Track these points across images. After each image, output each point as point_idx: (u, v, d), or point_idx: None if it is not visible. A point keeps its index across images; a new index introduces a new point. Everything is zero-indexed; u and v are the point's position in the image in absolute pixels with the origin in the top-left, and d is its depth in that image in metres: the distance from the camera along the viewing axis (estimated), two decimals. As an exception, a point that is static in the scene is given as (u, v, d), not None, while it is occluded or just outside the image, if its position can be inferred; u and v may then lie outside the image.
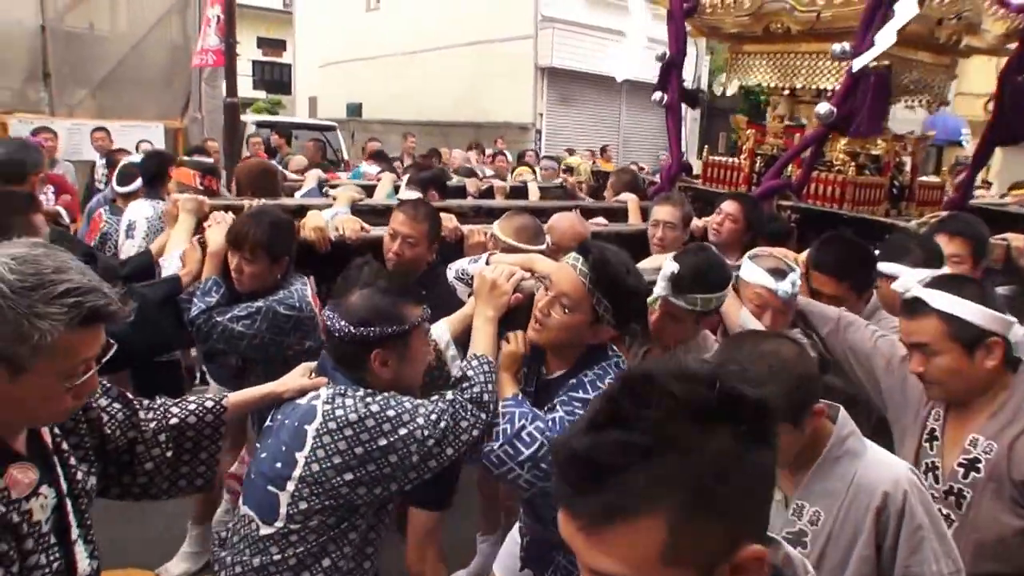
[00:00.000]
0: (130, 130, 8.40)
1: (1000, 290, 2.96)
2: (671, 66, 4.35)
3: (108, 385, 1.60)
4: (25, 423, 1.29)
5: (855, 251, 2.49)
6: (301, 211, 2.90)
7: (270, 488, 1.62)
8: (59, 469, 1.36)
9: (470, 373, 1.80)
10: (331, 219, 2.86)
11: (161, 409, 1.67)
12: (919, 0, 3.24)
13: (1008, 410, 1.74)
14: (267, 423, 1.78)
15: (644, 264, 2.46)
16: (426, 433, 1.66)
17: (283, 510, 1.60)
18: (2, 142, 3.40)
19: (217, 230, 2.49)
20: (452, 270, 2.33)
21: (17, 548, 1.23)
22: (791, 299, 2.22)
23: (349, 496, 1.61)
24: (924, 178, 4.47)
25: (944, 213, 3.31)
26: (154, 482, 1.62)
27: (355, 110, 20.62)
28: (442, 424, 1.69)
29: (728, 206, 3.24)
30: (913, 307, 1.79)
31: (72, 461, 1.41)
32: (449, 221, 2.83)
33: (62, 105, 8.57)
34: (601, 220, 3.40)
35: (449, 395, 1.77)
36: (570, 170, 5.00)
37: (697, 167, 4.93)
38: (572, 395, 1.77)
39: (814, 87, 3.99)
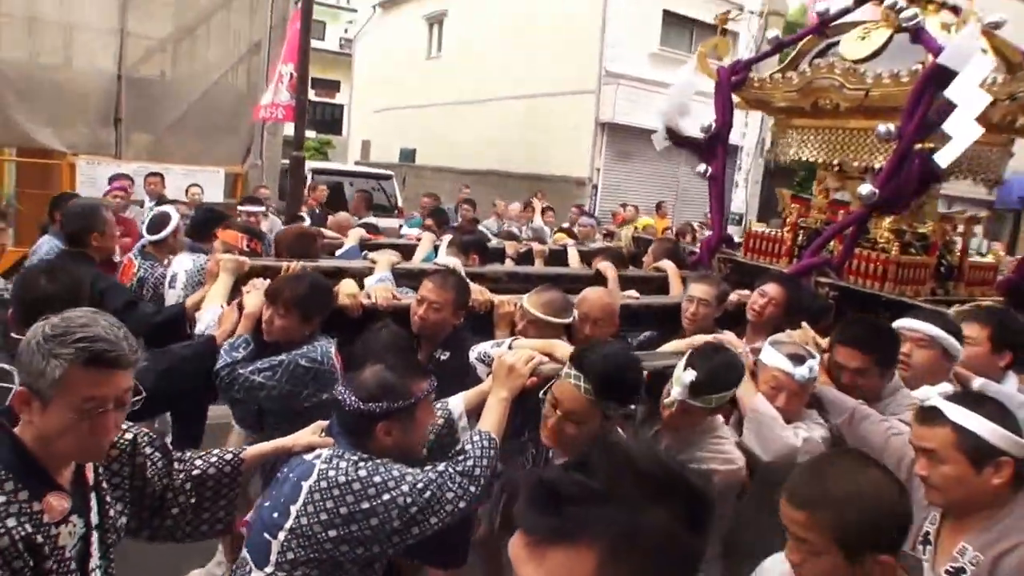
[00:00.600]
0: (193, 175, 8.76)
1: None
2: (716, 138, 4.39)
3: (153, 436, 1.77)
4: (65, 458, 1.48)
5: (880, 328, 2.54)
6: (338, 273, 3.06)
7: (265, 535, 1.76)
8: (94, 503, 1.54)
9: (468, 447, 1.92)
10: (373, 284, 3.00)
11: (189, 461, 1.86)
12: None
13: (1002, 525, 1.74)
14: (278, 474, 1.92)
15: (666, 348, 2.51)
16: (409, 500, 1.76)
17: (273, 557, 1.73)
18: (71, 206, 3.62)
19: (255, 295, 2.64)
20: (475, 352, 2.42)
21: (35, 568, 1.38)
22: (808, 383, 2.28)
23: (332, 552, 1.72)
24: (977, 258, 4.36)
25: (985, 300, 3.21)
26: (178, 525, 1.80)
27: (408, 155, 21.03)
28: (427, 494, 1.79)
29: (771, 289, 3.22)
30: (928, 415, 1.81)
31: (108, 498, 1.59)
32: (481, 294, 2.94)
33: (130, 149, 8.98)
34: (633, 293, 3.43)
35: (441, 466, 1.88)
36: (611, 235, 5.05)
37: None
38: None
39: (861, 164, 3.98)
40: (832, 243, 3.88)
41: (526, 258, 4.45)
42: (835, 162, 4.16)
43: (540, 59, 16.27)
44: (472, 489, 1.86)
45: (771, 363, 2.33)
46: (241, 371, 2.44)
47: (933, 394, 1.83)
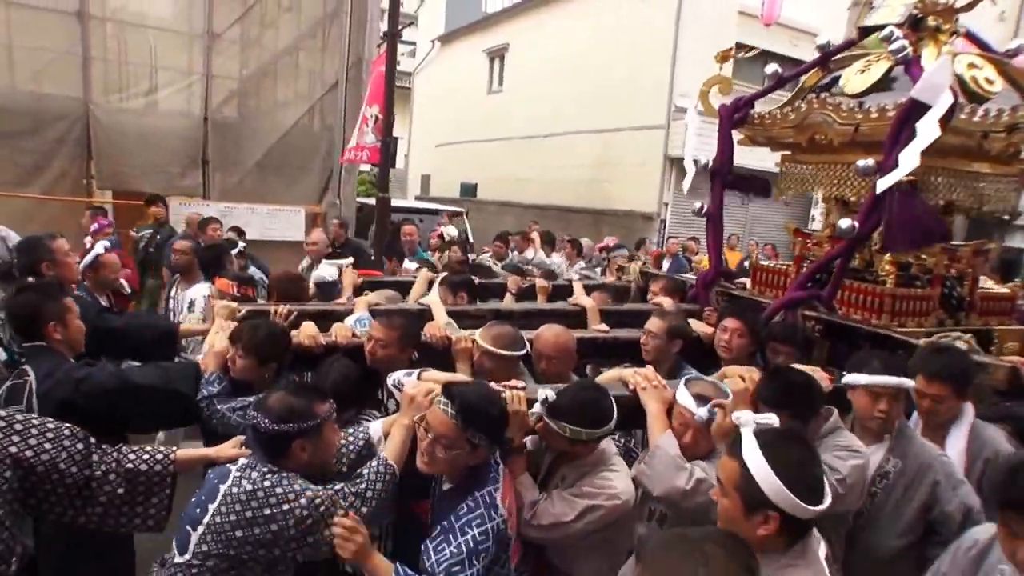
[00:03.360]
0: (275, 214, 9.29)
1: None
2: (715, 175, 4.43)
3: (79, 430, 2.08)
4: None
5: (797, 383, 2.52)
6: (323, 315, 3.38)
7: (187, 527, 2.00)
8: None
9: (365, 471, 2.13)
10: (353, 324, 3.27)
11: (115, 454, 2.12)
12: (943, 121, 3.19)
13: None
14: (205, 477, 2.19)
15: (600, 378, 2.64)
16: (305, 513, 1.97)
17: (191, 547, 1.97)
18: (17, 243, 4.03)
19: (222, 336, 2.96)
20: (391, 379, 2.62)
21: None
22: (711, 423, 2.33)
23: (239, 549, 1.95)
24: (991, 287, 4.19)
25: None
26: (109, 514, 2.06)
27: (470, 190, 21.18)
28: (321, 508, 2.00)
29: (731, 322, 3.32)
30: (733, 446, 1.76)
31: None
32: (437, 330, 3.16)
33: (215, 189, 9.48)
34: (603, 327, 3.54)
35: (339, 486, 2.10)
36: (622, 269, 5.13)
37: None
38: (449, 538, 2.01)
39: (860, 198, 3.93)
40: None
41: (529, 293, 4.58)
42: (837, 196, 4.13)
43: (607, 94, 16.30)
44: (363, 509, 2.06)
45: (680, 401, 2.42)
46: (219, 407, 2.74)
47: (749, 420, 1.77)
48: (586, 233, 15.03)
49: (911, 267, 3.91)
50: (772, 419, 1.82)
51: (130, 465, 2.09)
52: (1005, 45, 4.05)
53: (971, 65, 3.70)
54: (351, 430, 2.42)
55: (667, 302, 4.11)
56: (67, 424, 2.07)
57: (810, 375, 2.63)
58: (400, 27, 9.68)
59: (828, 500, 1.67)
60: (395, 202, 11.58)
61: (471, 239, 12.19)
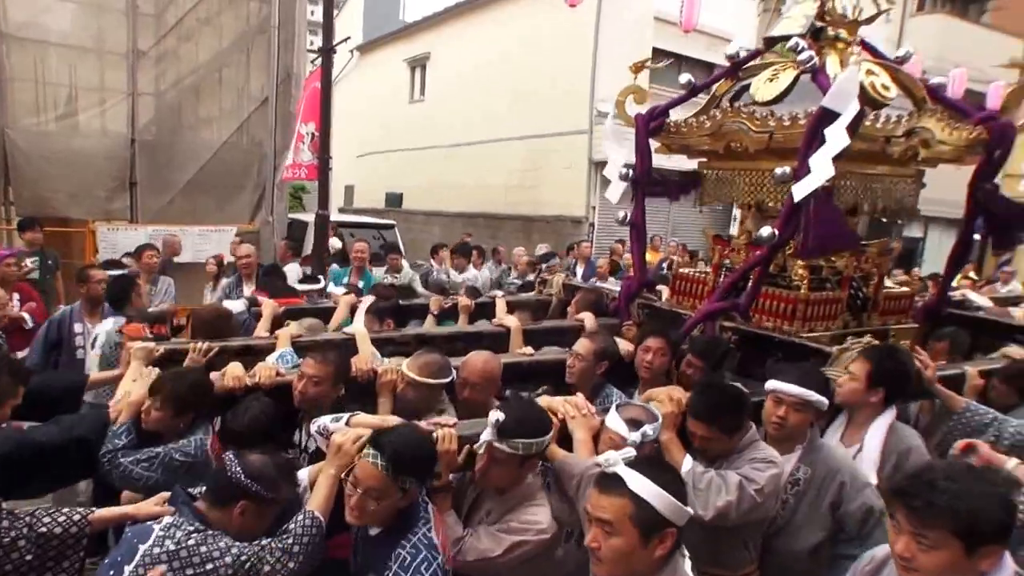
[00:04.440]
0: (208, 235, 8.79)
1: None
2: (636, 184, 4.45)
3: None
4: None
5: (726, 396, 2.60)
6: (247, 351, 3.23)
7: None
8: None
9: (291, 526, 2.03)
10: (276, 360, 3.12)
11: (28, 518, 2.00)
12: (851, 129, 3.27)
13: None
14: (123, 534, 2.03)
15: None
16: (231, 572, 1.89)
17: None
18: None
19: (140, 384, 2.76)
20: (315, 425, 2.49)
21: None
22: (642, 447, 2.31)
23: None
24: (892, 287, 4.35)
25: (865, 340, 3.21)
26: None
27: (395, 200, 20.84)
28: (247, 565, 1.91)
29: (654, 342, 3.34)
30: (608, 483, 1.77)
31: None
32: (364, 363, 3.02)
33: (146, 211, 9.03)
34: (528, 350, 3.49)
35: (266, 541, 2.00)
36: (544, 282, 5.10)
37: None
38: None
39: (776, 204, 4.01)
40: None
41: (451, 313, 4.49)
42: (754, 203, 4.20)
43: (530, 100, 16.33)
44: (291, 565, 1.97)
45: (611, 426, 2.41)
46: (122, 459, 2.55)
47: (617, 459, 1.79)
48: (517, 239, 15.04)
49: (823, 271, 4.00)
50: (630, 452, 1.88)
51: (43, 529, 1.99)
52: (891, 46, 4.24)
53: (869, 72, 3.83)
54: None
55: (588, 318, 4.08)
56: None
57: (741, 389, 2.67)
58: (335, 43, 9.35)
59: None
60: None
61: (403, 251, 12.03)
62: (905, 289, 4.40)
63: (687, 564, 1.81)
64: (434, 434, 2.25)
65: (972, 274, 9.16)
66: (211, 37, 9.33)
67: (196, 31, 9.21)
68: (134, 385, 2.80)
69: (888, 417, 2.91)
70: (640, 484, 1.72)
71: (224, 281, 6.27)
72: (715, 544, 2.59)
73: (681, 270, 4.62)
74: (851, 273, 3.96)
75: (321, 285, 5.39)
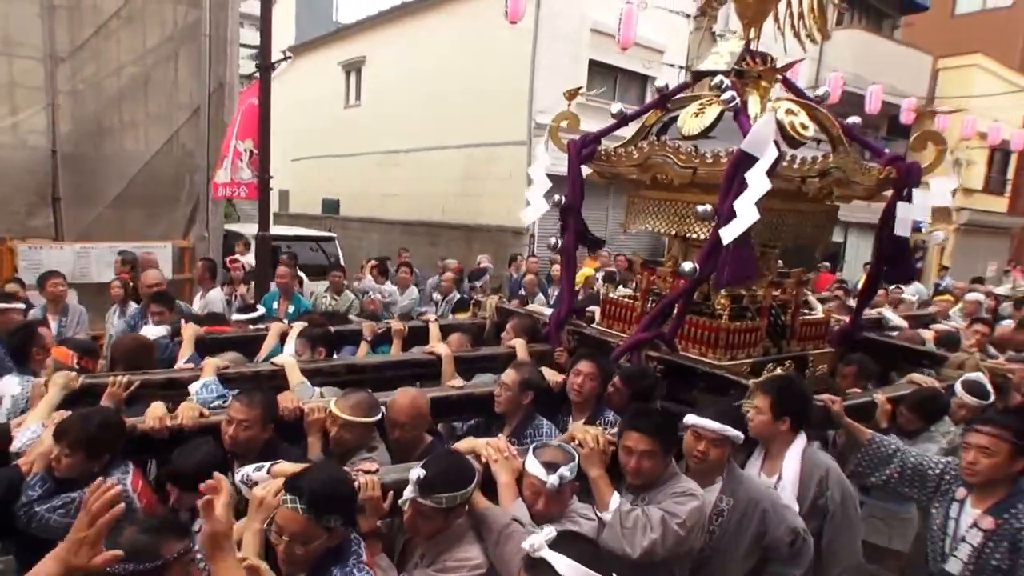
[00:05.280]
0: (140, 251, 8.17)
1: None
2: (567, 210, 4.54)
3: None
4: None
5: (665, 415, 2.79)
6: (170, 384, 3.16)
7: None
8: None
9: None
10: (196, 392, 3.04)
11: None
12: (769, 172, 3.42)
13: None
14: None
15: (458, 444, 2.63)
16: None
17: None
18: None
19: (47, 432, 2.62)
20: (239, 475, 2.47)
21: None
22: (562, 488, 2.40)
23: None
24: (808, 315, 4.57)
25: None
26: None
27: (332, 207, 20.43)
28: None
29: (585, 367, 3.45)
30: (536, 568, 1.83)
31: None
32: (289, 402, 3.01)
33: (71, 228, 8.50)
34: (457, 382, 3.54)
35: None
36: (478, 304, 5.16)
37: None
38: None
39: (699, 236, 4.15)
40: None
41: (385, 337, 4.49)
42: (678, 233, 4.33)
43: (469, 109, 16.27)
44: None
45: (529, 470, 2.46)
46: (37, 509, 2.46)
47: (540, 543, 1.84)
48: (458, 248, 15.02)
49: (743, 299, 4.17)
50: (551, 532, 1.90)
51: None
52: (812, 64, 4.46)
53: (788, 111, 4.01)
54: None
55: (519, 344, 4.15)
56: None
57: (675, 412, 2.82)
58: (274, 61, 9.08)
59: None
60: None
61: (342, 262, 11.77)
62: (820, 315, 4.62)
63: None
64: (356, 482, 2.24)
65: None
66: (134, 37, 8.79)
67: (122, 37, 8.71)
68: (45, 432, 2.64)
69: (799, 444, 3.06)
70: (569, 569, 1.77)
71: (132, 307, 5.85)
72: (644, 577, 2.67)
73: (610, 295, 4.72)
74: (770, 302, 4.14)
75: (260, 313, 5.15)
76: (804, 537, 2.79)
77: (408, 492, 2.25)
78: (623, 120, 4.63)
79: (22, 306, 5.08)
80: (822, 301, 5.97)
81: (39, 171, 8.31)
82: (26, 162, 8.25)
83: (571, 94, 4.71)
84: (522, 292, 7.90)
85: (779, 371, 3.36)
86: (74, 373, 3.10)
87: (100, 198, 8.67)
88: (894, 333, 5.59)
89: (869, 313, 5.71)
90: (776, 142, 3.46)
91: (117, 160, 8.80)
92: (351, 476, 2.24)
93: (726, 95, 3.78)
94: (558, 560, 1.78)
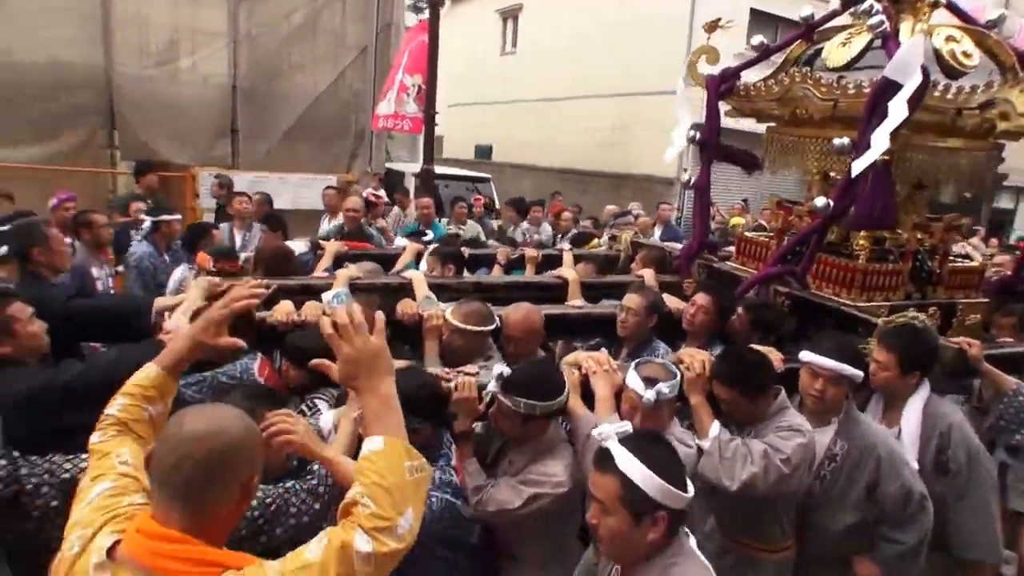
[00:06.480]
0: (309, 183, 8.85)
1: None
2: (702, 147, 4.49)
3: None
4: None
5: (748, 361, 2.66)
6: (305, 290, 3.38)
7: None
8: None
9: (316, 467, 2.08)
10: (328, 300, 3.31)
11: (47, 464, 2.00)
12: (913, 102, 3.22)
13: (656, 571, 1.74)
14: None
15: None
16: (257, 513, 1.93)
17: None
18: (12, 226, 3.71)
19: (184, 316, 2.79)
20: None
21: None
22: (659, 405, 2.40)
23: None
24: (962, 262, 4.24)
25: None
26: (44, 528, 1.92)
27: (485, 152, 20.92)
28: (273, 507, 1.97)
29: (701, 299, 3.44)
30: (602, 461, 1.77)
31: None
32: (409, 307, 3.19)
33: (246, 158, 9.16)
34: (577, 303, 3.64)
35: (289, 483, 2.05)
36: (614, 238, 5.24)
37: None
38: None
39: (840, 174, 3.97)
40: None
41: (518, 263, 4.67)
42: (819, 171, 4.18)
43: (624, 58, 16.02)
44: (316, 506, 2.01)
45: (629, 383, 2.45)
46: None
47: (610, 433, 1.78)
48: (605, 197, 15.00)
49: (885, 242, 3.96)
50: (626, 426, 1.88)
51: (66, 475, 1.96)
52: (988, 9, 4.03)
53: (949, 38, 3.70)
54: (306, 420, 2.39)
55: (648, 274, 4.22)
56: None
57: (764, 355, 2.72)
58: None
59: (692, 488, 1.76)
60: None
61: (497, 204, 11.83)
62: (975, 264, 4.28)
63: (692, 542, 1.80)
64: (453, 383, 2.35)
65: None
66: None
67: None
68: (181, 317, 2.82)
69: (922, 394, 2.90)
70: (629, 465, 1.70)
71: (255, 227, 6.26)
72: (747, 515, 2.62)
73: (747, 233, 4.65)
74: (914, 247, 3.91)
75: (429, 237, 5.40)
76: (920, 501, 2.61)
77: (491, 386, 2.37)
78: (765, 52, 4.46)
79: (179, 217, 5.79)
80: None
81: (220, 106, 9.13)
82: (209, 98, 9.09)
83: (711, 26, 4.60)
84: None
85: (900, 319, 3.15)
86: (218, 279, 3.28)
87: (272, 132, 9.42)
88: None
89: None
90: (925, 68, 3.23)
91: (288, 97, 9.50)
92: (437, 380, 2.33)
93: (874, 19, 3.56)
94: (621, 454, 1.73)
